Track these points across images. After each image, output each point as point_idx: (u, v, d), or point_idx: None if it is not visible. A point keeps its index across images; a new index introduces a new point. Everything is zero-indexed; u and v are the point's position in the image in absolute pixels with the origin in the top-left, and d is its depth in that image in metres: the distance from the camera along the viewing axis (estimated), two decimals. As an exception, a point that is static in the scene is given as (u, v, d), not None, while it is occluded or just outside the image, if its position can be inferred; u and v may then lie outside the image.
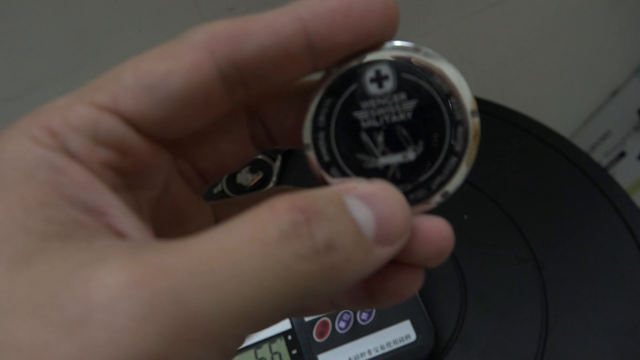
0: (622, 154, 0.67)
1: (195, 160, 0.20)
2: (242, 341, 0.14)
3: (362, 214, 0.15)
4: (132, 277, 0.12)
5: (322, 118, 0.18)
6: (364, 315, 0.38)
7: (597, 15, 0.62)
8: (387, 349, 0.37)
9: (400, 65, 0.17)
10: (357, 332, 0.37)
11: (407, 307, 0.38)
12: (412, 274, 0.18)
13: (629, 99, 0.67)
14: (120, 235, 0.15)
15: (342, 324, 0.37)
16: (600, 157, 0.68)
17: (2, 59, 0.48)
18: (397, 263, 0.17)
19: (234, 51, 0.15)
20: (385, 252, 0.15)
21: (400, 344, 0.37)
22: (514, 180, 0.49)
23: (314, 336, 0.37)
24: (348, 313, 0.38)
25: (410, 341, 0.37)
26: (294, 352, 0.37)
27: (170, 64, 0.15)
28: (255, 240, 0.13)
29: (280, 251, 0.13)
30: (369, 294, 0.18)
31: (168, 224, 0.19)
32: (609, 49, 0.65)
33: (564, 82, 0.65)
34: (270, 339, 0.38)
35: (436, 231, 0.17)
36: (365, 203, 0.15)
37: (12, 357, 0.11)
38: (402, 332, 0.37)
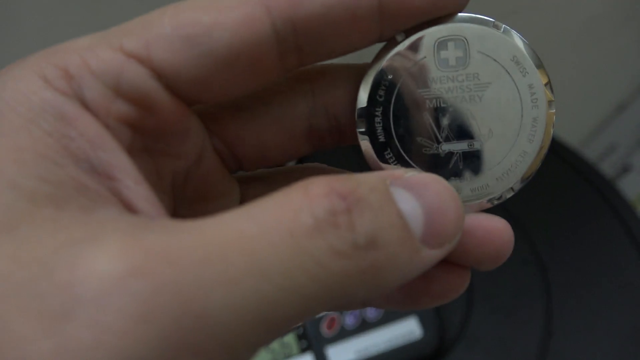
0: (628, 167, 0.68)
1: (232, 143, 0.17)
2: (257, 351, 0.11)
3: (410, 207, 0.13)
4: (129, 264, 0.10)
5: (381, 92, 0.16)
6: (372, 311, 0.39)
7: (605, 30, 0.63)
8: (394, 344, 0.38)
9: (476, 41, 0.15)
10: (365, 326, 0.38)
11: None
12: (459, 275, 0.16)
13: (637, 113, 0.68)
14: (127, 205, 0.13)
15: (351, 318, 0.39)
16: (607, 168, 0.69)
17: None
18: (444, 262, 0.15)
19: (293, 8, 0.13)
20: (432, 255, 0.13)
21: (407, 340, 0.38)
22: (522, 187, 0.50)
23: (323, 329, 0.38)
24: (357, 308, 0.39)
25: (416, 337, 0.38)
26: (303, 344, 0.38)
27: (218, 16, 0.13)
28: (283, 228, 0.11)
29: (312, 244, 0.11)
30: (409, 295, 0.16)
31: (190, 200, 0.17)
32: (617, 63, 0.66)
33: (572, 94, 0.66)
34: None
35: (497, 232, 0.15)
36: (414, 195, 0.13)
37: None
38: (409, 328, 0.38)
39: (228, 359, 0.10)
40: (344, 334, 0.38)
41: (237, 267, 0.10)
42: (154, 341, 0.10)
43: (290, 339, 0.38)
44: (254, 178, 0.19)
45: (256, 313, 0.10)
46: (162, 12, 0.13)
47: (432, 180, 0.14)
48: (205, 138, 0.16)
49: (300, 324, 0.13)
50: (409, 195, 0.13)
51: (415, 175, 0.14)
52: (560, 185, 0.48)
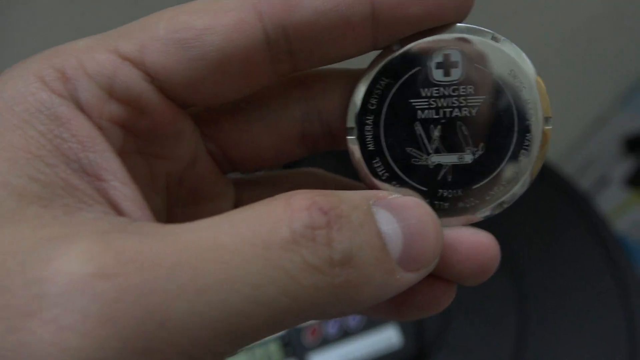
0: (607, 180, 0.70)
1: (227, 147, 0.17)
2: None
3: (390, 229, 0.13)
4: (97, 265, 0.10)
5: (373, 100, 0.15)
6: (354, 319, 0.40)
7: (585, 46, 0.65)
8: (375, 352, 0.39)
9: (473, 53, 0.15)
10: (346, 335, 0.39)
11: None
12: (444, 289, 0.16)
13: (616, 127, 0.69)
14: (113, 206, 0.13)
15: (333, 327, 0.39)
16: (586, 181, 0.71)
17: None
18: (429, 276, 0.15)
19: (285, 14, 0.13)
20: (407, 278, 0.13)
21: (387, 347, 0.39)
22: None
23: (305, 337, 0.39)
24: (339, 316, 0.40)
25: (396, 345, 0.39)
26: (286, 351, 0.39)
27: (210, 20, 0.13)
28: (258, 240, 0.11)
29: (287, 257, 0.11)
30: (392, 306, 0.16)
31: (185, 201, 0.17)
32: (596, 78, 0.68)
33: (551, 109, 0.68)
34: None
35: (482, 247, 0.15)
36: (395, 217, 0.13)
37: None
38: (389, 336, 0.39)
39: None
40: (325, 342, 0.39)
41: (206, 276, 0.10)
42: (113, 344, 0.09)
43: (273, 346, 0.39)
44: (250, 181, 0.19)
45: (222, 323, 0.10)
46: (159, 15, 0.13)
47: (414, 205, 0.14)
48: (199, 141, 0.16)
49: (269, 336, 0.13)
50: (391, 217, 0.13)
51: (399, 198, 0.14)
52: (538, 198, 0.49)
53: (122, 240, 0.11)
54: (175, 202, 0.17)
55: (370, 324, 0.39)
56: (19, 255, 0.10)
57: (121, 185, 0.13)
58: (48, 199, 0.12)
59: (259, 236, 0.11)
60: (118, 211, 0.13)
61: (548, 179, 0.50)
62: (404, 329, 0.39)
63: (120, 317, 0.10)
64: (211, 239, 0.11)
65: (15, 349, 0.09)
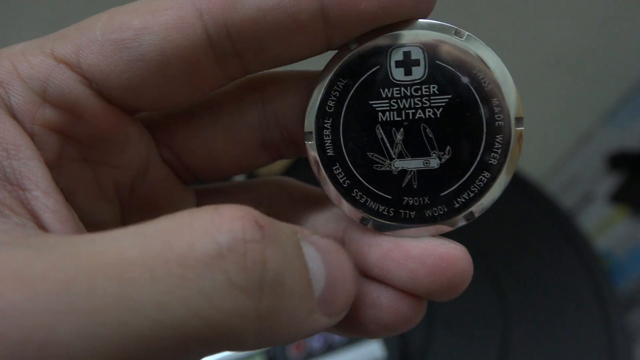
0: (591, 196, 0.71)
1: (181, 153, 0.16)
2: None
3: (315, 267, 0.12)
4: None
5: (331, 102, 0.14)
6: (338, 333, 0.40)
7: (569, 63, 0.66)
8: (358, 366, 0.39)
9: (435, 50, 0.14)
10: (330, 348, 0.40)
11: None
12: (410, 306, 0.14)
13: (599, 144, 0.71)
14: (34, 216, 0.12)
15: (317, 341, 0.40)
16: (570, 198, 0.72)
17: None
18: (397, 291, 0.14)
19: (226, 11, 0.12)
20: (321, 322, 0.12)
21: (370, 361, 0.39)
22: (482, 217, 0.52)
23: (290, 351, 0.40)
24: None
25: (380, 358, 0.40)
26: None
27: (148, 19, 0.12)
28: (173, 254, 0.10)
29: (207, 275, 0.10)
30: (357, 322, 0.15)
31: (140, 210, 0.16)
32: (580, 95, 0.70)
33: (535, 126, 0.69)
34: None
35: (450, 260, 0.14)
36: (320, 257, 0.13)
37: None
38: (373, 350, 0.40)
39: None
40: (310, 356, 0.40)
41: (103, 295, 0.09)
42: None
43: (258, 359, 0.40)
44: (213, 190, 0.18)
45: (118, 350, 0.09)
46: (99, 16, 0.13)
47: (335, 250, 0.13)
48: (151, 147, 0.15)
49: None
50: (317, 255, 0.12)
51: (321, 240, 0.13)
52: (521, 216, 0.50)
53: (6, 254, 0.09)
54: (129, 212, 0.16)
55: (355, 339, 0.40)
56: None
57: (43, 195, 0.12)
58: None
59: (174, 250, 0.10)
60: (38, 223, 0.12)
61: (531, 196, 0.51)
62: (388, 343, 0.40)
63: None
64: (116, 253, 0.10)
65: None
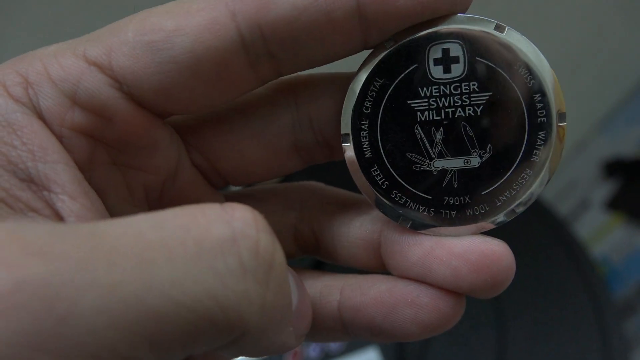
0: (587, 204, 0.71)
1: (212, 158, 0.16)
2: None
3: (292, 285, 0.12)
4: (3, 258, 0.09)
5: (368, 103, 0.14)
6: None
7: (564, 72, 0.67)
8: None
9: (475, 46, 0.13)
10: (327, 357, 0.40)
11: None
12: (451, 304, 0.14)
13: (595, 152, 0.71)
14: (59, 218, 0.12)
15: (314, 350, 0.40)
16: (567, 205, 0.72)
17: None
18: (437, 289, 0.14)
19: (259, 12, 0.12)
20: (293, 340, 0.12)
21: (367, 370, 0.39)
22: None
23: (286, 358, 0.40)
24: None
25: (376, 367, 0.40)
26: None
27: (180, 21, 0.12)
28: (189, 236, 0.10)
29: (220, 257, 0.10)
30: (396, 325, 0.15)
31: None
32: (575, 103, 0.70)
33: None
34: None
35: (494, 256, 0.14)
36: (295, 281, 0.13)
37: None
38: (370, 357, 0.40)
39: None
40: (307, 364, 0.40)
41: (122, 272, 0.09)
42: (6, 339, 0.09)
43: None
44: (243, 194, 0.18)
45: (136, 325, 0.09)
46: (131, 18, 0.13)
47: (300, 279, 0.13)
48: (182, 152, 0.15)
49: (190, 351, 0.10)
50: (290, 275, 0.12)
51: (290, 267, 0.13)
52: (517, 223, 0.51)
53: (30, 232, 0.10)
54: None
55: (351, 346, 0.40)
56: None
57: (69, 199, 0.12)
58: None
59: (191, 233, 0.10)
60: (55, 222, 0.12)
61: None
62: (385, 351, 0.40)
63: (14, 311, 0.09)
64: (134, 233, 0.10)
65: None
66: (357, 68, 0.15)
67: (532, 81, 0.13)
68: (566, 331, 0.44)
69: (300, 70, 0.14)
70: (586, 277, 0.46)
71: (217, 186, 0.17)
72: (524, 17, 0.59)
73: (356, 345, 0.40)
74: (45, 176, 0.12)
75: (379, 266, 0.16)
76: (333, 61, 0.14)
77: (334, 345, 0.40)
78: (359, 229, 0.16)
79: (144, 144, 0.14)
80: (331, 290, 0.16)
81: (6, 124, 0.12)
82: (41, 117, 0.12)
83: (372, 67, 0.14)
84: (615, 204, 0.67)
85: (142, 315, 0.09)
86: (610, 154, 0.69)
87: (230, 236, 0.10)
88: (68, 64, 0.12)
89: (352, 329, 0.16)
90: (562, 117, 0.14)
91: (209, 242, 0.10)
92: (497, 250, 0.14)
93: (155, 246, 0.10)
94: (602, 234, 0.68)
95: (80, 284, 0.09)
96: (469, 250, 0.14)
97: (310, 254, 0.18)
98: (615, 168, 0.69)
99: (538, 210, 0.51)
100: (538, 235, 0.50)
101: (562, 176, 0.74)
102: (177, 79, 0.12)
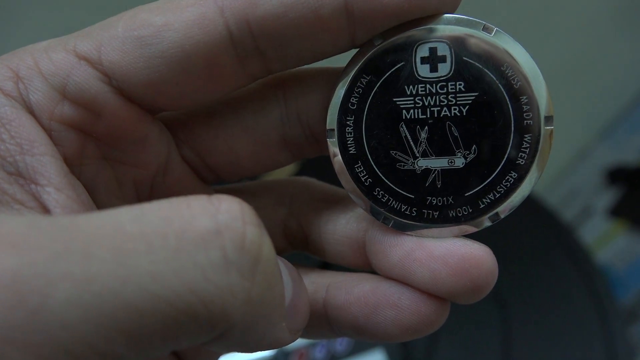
0: (591, 211, 0.71)
1: (203, 153, 0.16)
2: None
3: (285, 276, 0.12)
4: None
5: (354, 99, 0.14)
6: (341, 343, 0.40)
7: (567, 81, 0.67)
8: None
9: (462, 46, 0.13)
10: (334, 357, 0.40)
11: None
12: (434, 308, 0.14)
13: (598, 159, 0.72)
14: (45, 210, 0.12)
15: (320, 351, 0.40)
16: (570, 212, 0.72)
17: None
18: (418, 292, 0.14)
19: (247, 7, 0.12)
20: (286, 335, 0.12)
21: (373, 372, 0.39)
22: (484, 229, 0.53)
23: (293, 360, 0.40)
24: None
25: (382, 369, 0.40)
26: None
27: (169, 16, 0.12)
28: (171, 228, 0.10)
29: (202, 250, 0.10)
30: (378, 326, 0.15)
31: None
32: (578, 111, 0.70)
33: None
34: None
35: (474, 261, 0.14)
36: (289, 274, 0.13)
37: None
38: (376, 359, 0.40)
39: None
40: (313, 366, 0.40)
41: (98, 264, 0.09)
42: None
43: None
44: (234, 189, 0.18)
45: (111, 319, 0.09)
46: (122, 14, 0.13)
47: (295, 271, 0.13)
48: (171, 147, 0.15)
49: (169, 347, 0.10)
50: (287, 273, 0.13)
51: (286, 260, 0.13)
52: (522, 228, 0.51)
53: (6, 224, 0.10)
54: None
55: (357, 347, 0.40)
56: None
57: (55, 191, 0.12)
58: None
59: (172, 225, 0.10)
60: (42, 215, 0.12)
61: (532, 209, 0.52)
62: (390, 352, 0.40)
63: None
64: (114, 226, 0.10)
65: None
66: (345, 64, 0.15)
67: (519, 83, 0.13)
68: (571, 336, 0.44)
69: (290, 68, 0.14)
70: (591, 282, 0.46)
71: (208, 181, 0.17)
72: (525, 26, 0.59)
73: (362, 346, 0.40)
74: (32, 169, 0.12)
75: (366, 265, 0.16)
76: (322, 59, 0.14)
77: (339, 347, 0.40)
78: (345, 227, 0.16)
79: (133, 138, 0.14)
80: (318, 287, 0.16)
81: None
82: (30, 110, 0.13)
83: (359, 64, 0.14)
84: (618, 212, 0.68)
85: (118, 310, 0.09)
86: (613, 162, 0.69)
87: (214, 228, 0.10)
88: (58, 58, 0.13)
89: (337, 328, 0.16)
90: (549, 120, 0.14)
91: (190, 234, 0.10)
92: (477, 255, 0.14)
93: (134, 237, 0.10)
94: (605, 241, 0.68)
95: (53, 276, 0.09)
96: (448, 254, 0.14)
97: (300, 250, 0.18)
98: (618, 176, 0.69)
99: (542, 216, 0.51)
100: (542, 241, 0.50)
101: (565, 183, 0.74)
102: (166, 73, 0.13)
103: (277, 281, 0.11)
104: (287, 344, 0.12)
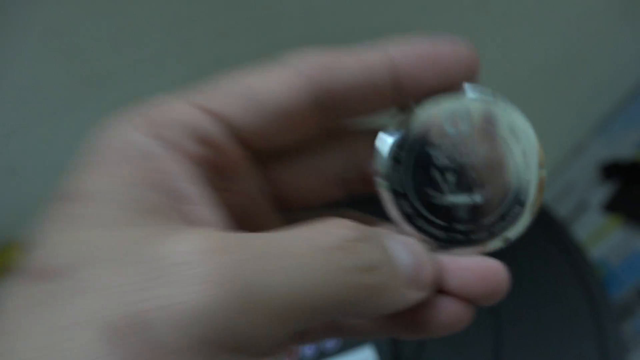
0: (585, 206, 0.71)
1: (276, 185, 0.20)
2: (292, 339, 0.15)
3: (402, 256, 0.17)
4: (210, 245, 0.13)
5: (396, 149, 0.19)
6: (330, 340, 0.40)
7: (561, 75, 0.67)
8: (350, 373, 0.39)
9: (476, 112, 0.18)
10: (322, 355, 0.40)
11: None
12: (465, 308, 0.18)
13: (592, 154, 0.71)
14: (192, 224, 0.16)
15: (309, 348, 0.40)
16: (564, 207, 0.72)
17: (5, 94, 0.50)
18: (449, 294, 0.18)
19: (327, 79, 0.17)
20: (414, 294, 0.17)
21: (362, 369, 0.39)
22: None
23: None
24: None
25: (372, 366, 0.39)
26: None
27: (274, 84, 0.17)
28: (315, 244, 0.15)
29: (334, 258, 0.15)
30: (415, 322, 0.19)
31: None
32: (572, 107, 0.70)
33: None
34: None
35: (491, 271, 0.18)
36: (407, 249, 0.17)
37: (100, 294, 0.12)
38: (366, 356, 0.40)
39: (282, 326, 0.13)
40: (302, 363, 0.40)
41: (288, 262, 0.14)
42: (224, 301, 0.12)
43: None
44: (296, 219, 0.21)
45: (299, 297, 0.14)
46: (232, 77, 0.17)
47: (415, 242, 0.18)
48: (260, 179, 0.20)
49: (316, 322, 0.15)
50: (403, 248, 0.17)
51: (404, 237, 0.18)
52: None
53: (223, 235, 0.14)
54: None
55: (347, 345, 0.40)
56: (134, 242, 0.13)
57: (203, 207, 0.16)
58: (146, 213, 0.15)
59: (316, 241, 0.15)
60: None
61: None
62: (380, 350, 0.40)
63: (229, 281, 0.13)
64: (283, 239, 0.15)
65: (139, 299, 0.12)
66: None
67: (520, 139, 0.18)
68: (563, 333, 0.44)
69: (348, 119, 0.19)
70: (584, 279, 0.46)
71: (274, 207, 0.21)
72: (521, 20, 0.59)
73: (351, 344, 0.40)
74: (181, 190, 0.16)
75: None
76: (371, 114, 0.19)
77: (329, 344, 0.40)
78: None
79: (238, 171, 0.18)
80: None
81: (145, 154, 0.16)
82: (169, 148, 0.16)
83: (401, 123, 0.18)
84: (612, 207, 0.67)
85: (302, 292, 0.14)
86: (608, 156, 0.69)
87: (340, 244, 0.15)
88: (184, 109, 0.17)
89: (381, 323, 0.20)
90: (541, 166, 0.18)
91: (327, 247, 0.15)
92: (495, 266, 0.18)
93: (298, 249, 0.14)
94: (599, 236, 0.68)
95: (267, 267, 0.13)
96: (474, 265, 0.18)
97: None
98: (613, 171, 0.69)
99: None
100: (536, 237, 0.50)
101: (560, 179, 0.74)
102: (268, 124, 0.17)
103: (383, 268, 0.16)
104: (419, 299, 0.17)
